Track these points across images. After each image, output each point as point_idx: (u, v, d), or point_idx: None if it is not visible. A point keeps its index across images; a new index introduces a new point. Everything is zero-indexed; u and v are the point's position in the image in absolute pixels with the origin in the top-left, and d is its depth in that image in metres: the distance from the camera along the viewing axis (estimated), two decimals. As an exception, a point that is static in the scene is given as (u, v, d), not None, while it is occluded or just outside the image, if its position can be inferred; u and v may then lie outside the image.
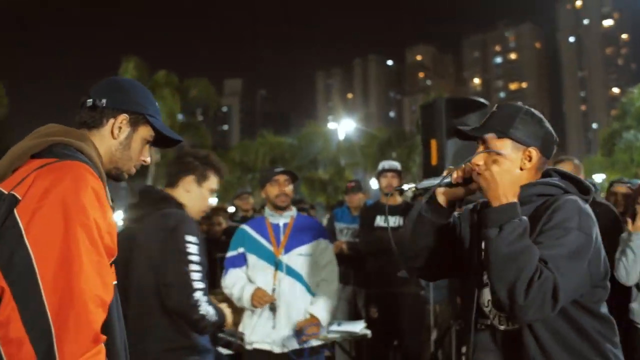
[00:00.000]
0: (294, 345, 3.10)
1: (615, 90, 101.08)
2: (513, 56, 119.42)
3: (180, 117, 24.26)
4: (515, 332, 1.63)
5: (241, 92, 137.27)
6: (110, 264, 1.30)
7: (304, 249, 3.25)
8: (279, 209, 3.28)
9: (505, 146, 1.67)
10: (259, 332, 3.16)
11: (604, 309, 1.66)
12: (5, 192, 1.25)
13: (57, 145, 1.35)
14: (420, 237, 1.78)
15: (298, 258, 3.22)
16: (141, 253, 2.36)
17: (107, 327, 1.27)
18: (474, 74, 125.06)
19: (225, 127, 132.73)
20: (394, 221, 4.67)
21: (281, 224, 3.29)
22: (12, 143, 1.48)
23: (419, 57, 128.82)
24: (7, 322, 1.11)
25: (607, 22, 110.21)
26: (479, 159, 1.69)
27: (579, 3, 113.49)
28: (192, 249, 2.33)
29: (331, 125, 30.81)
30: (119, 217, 5.86)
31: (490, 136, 1.68)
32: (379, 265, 4.58)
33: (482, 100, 4.06)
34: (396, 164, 4.93)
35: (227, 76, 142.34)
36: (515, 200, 1.55)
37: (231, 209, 10.17)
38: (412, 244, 1.80)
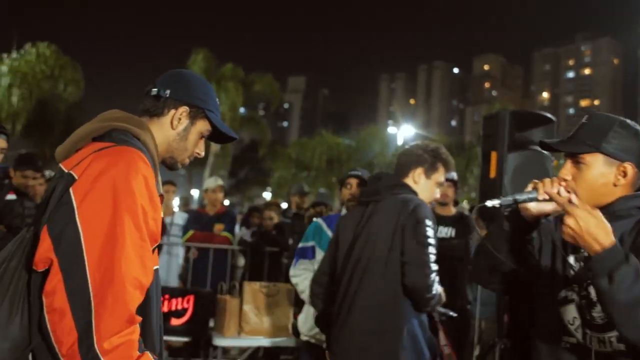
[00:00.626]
0: None
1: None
2: (587, 71, 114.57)
3: (242, 110, 24.71)
4: (612, 354, 1.54)
5: (304, 90, 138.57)
6: (153, 249, 1.35)
7: None
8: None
9: (596, 161, 1.58)
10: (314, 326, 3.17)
11: None
12: (66, 171, 1.33)
13: (117, 130, 1.41)
14: (500, 251, 1.72)
15: None
16: (376, 232, 2.48)
17: (144, 310, 1.32)
18: (543, 88, 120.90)
19: (285, 123, 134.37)
20: (447, 232, 4.59)
21: None
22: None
23: (486, 67, 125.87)
24: (53, 292, 1.18)
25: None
26: (565, 173, 1.62)
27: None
28: (430, 232, 2.42)
29: (391, 129, 30.55)
30: (175, 204, 5.98)
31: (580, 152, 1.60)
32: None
33: (549, 115, 3.90)
34: (453, 174, 4.83)
35: (291, 73, 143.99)
36: (611, 240, 1.40)
37: (283, 205, 10.25)
38: (491, 258, 1.75)
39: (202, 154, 1.63)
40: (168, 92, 1.52)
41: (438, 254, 4.40)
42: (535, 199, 1.62)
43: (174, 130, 1.53)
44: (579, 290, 1.62)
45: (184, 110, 1.53)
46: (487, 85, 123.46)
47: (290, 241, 5.66)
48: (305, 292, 3.19)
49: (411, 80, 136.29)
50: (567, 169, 1.62)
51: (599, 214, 1.44)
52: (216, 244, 5.27)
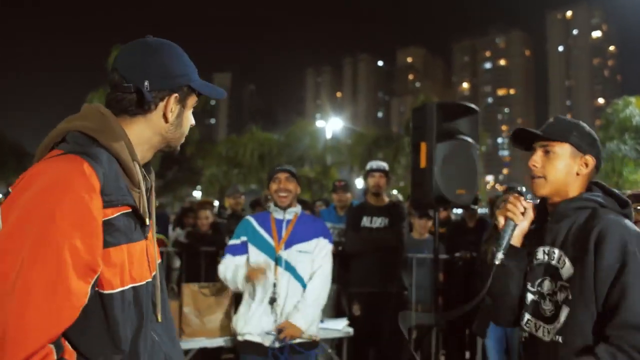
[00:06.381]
0: (273, 342, 3.15)
1: (601, 100, 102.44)
2: (502, 62, 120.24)
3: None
4: (550, 343, 1.70)
5: (230, 86, 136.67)
6: (94, 282, 1.18)
7: (304, 245, 3.29)
8: (280, 206, 3.34)
9: (564, 151, 1.79)
10: (253, 323, 3.20)
11: None
12: None
13: (72, 133, 1.24)
14: (509, 286, 1.86)
15: (297, 255, 3.26)
16: None
17: (101, 338, 1.21)
18: (463, 78, 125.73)
19: (213, 120, 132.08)
20: (380, 222, 4.70)
21: (284, 220, 3.34)
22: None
23: (409, 59, 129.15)
24: None
25: (596, 34, 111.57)
26: (536, 160, 1.82)
27: (569, 13, 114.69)
28: None
29: (319, 123, 30.75)
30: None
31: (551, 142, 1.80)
32: (363, 265, 4.60)
33: (472, 105, 4.10)
34: (384, 164, 4.95)
35: (216, 69, 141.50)
36: None
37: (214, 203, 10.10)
38: (505, 297, 1.88)
39: (194, 122, 1.46)
40: (147, 84, 1.29)
41: (374, 243, 4.55)
42: (515, 226, 1.84)
43: (167, 122, 1.35)
44: (531, 285, 1.82)
45: (173, 98, 1.34)
46: (410, 77, 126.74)
47: (227, 240, 5.62)
48: (235, 279, 3.22)
49: (337, 74, 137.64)
50: (538, 157, 1.82)
51: None
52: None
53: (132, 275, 1.26)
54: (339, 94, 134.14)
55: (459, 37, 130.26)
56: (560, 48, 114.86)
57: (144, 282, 1.31)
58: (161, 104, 1.34)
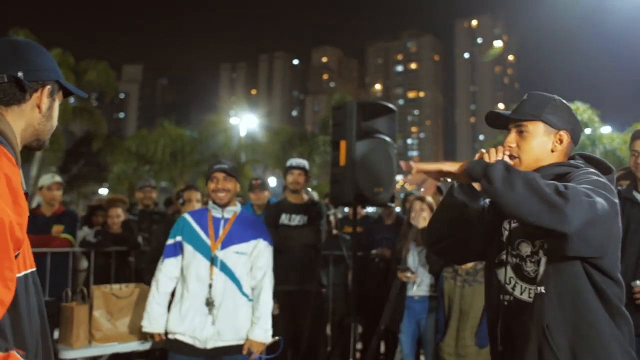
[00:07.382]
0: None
1: (501, 106, 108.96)
2: (413, 66, 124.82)
3: (71, 100, 22.57)
4: (538, 299, 1.69)
5: (141, 80, 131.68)
6: (16, 255, 1.18)
7: (242, 247, 3.22)
8: (218, 203, 3.26)
9: (537, 129, 1.77)
10: (186, 324, 3.11)
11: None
12: None
13: None
14: (450, 219, 1.86)
15: (234, 255, 3.19)
16: None
17: (13, 323, 1.17)
18: (376, 80, 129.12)
19: (122, 114, 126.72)
20: (298, 220, 4.70)
21: (222, 219, 3.25)
22: None
23: (324, 59, 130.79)
24: None
25: (498, 43, 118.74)
26: (510, 141, 1.80)
27: (474, 22, 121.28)
28: None
29: (233, 120, 30.33)
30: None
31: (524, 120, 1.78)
32: (282, 263, 4.58)
33: (391, 105, 4.20)
34: (304, 162, 4.96)
35: (126, 61, 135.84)
36: (469, 160, 1.64)
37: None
38: (442, 225, 1.88)
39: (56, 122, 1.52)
40: (21, 74, 1.33)
41: (293, 241, 4.54)
42: None
43: (40, 113, 1.40)
44: (512, 249, 1.81)
45: (46, 90, 1.40)
46: (325, 76, 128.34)
47: (140, 239, 5.38)
48: (148, 317, 3.26)
49: (252, 71, 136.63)
50: (512, 137, 1.81)
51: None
52: (54, 247, 4.81)
53: (30, 261, 1.29)
54: (253, 91, 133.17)
55: (373, 39, 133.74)
56: (466, 55, 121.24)
57: (34, 270, 1.33)
58: (35, 95, 1.38)
